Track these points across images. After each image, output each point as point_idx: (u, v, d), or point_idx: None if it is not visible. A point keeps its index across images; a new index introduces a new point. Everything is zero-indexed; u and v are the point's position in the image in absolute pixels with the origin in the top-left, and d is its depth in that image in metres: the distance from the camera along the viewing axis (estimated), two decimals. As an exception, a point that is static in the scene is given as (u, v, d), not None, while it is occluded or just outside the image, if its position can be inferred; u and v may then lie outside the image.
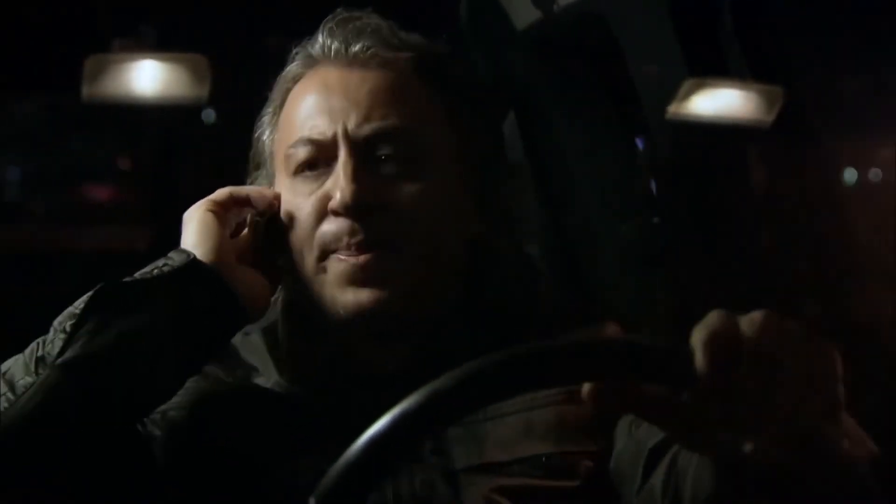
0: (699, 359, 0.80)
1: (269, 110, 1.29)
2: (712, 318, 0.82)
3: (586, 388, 0.82)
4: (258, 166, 1.30)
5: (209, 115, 2.32)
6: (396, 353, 1.21)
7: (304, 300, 1.22)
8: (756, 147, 1.57)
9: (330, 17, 1.26)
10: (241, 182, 1.30)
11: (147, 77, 1.93)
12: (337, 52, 1.23)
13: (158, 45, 2.14)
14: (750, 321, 0.83)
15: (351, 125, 1.19)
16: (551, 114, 1.96)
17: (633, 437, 1.16)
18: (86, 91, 1.88)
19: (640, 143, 1.89)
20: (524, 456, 1.17)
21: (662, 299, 1.86)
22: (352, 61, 1.22)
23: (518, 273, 1.35)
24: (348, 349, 1.22)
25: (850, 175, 1.75)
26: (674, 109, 1.61)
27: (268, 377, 1.23)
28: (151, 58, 1.95)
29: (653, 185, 1.89)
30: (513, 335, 1.18)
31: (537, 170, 1.98)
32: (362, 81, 1.21)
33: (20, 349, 1.14)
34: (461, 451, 1.17)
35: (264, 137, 1.29)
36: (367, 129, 1.19)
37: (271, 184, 1.27)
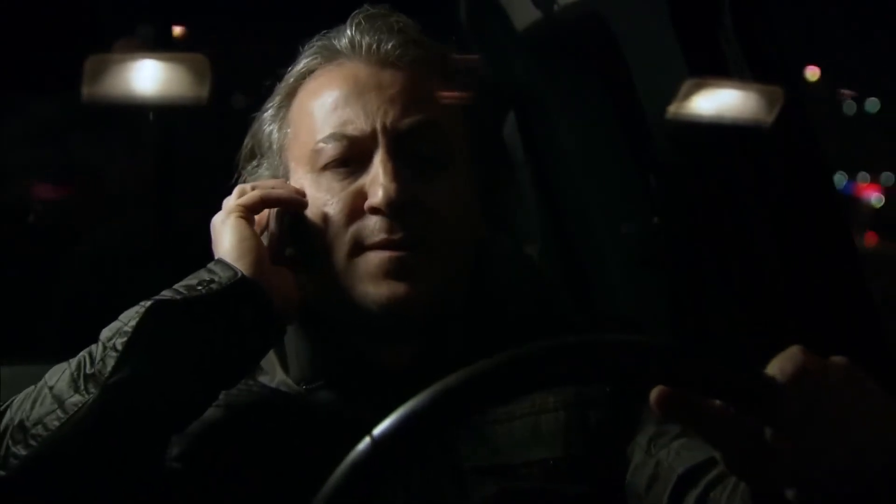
0: (787, 391, 0.80)
1: (275, 101, 1.28)
2: (797, 354, 0.83)
3: (656, 391, 0.82)
4: (253, 156, 1.29)
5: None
6: (402, 353, 1.21)
7: (325, 296, 1.21)
8: (755, 147, 1.57)
9: (357, 12, 1.24)
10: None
11: (147, 77, 1.93)
12: (368, 48, 1.21)
13: (158, 45, 2.15)
14: (836, 366, 0.83)
15: (389, 120, 1.18)
16: (551, 114, 1.96)
17: (653, 456, 1.15)
18: (86, 91, 1.88)
19: (639, 143, 1.89)
20: (532, 459, 1.17)
21: (662, 299, 1.87)
22: (383, 59, 1.20)
23: (519, 273, 1.35)
24: (355, 349, 1.22)
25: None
26: (674, 109, 1.61)
27: (272, 376, 1.23)
28: (151, 58, 1.95)
29: (653, 185, 1.89)
30: (515, 336, 1.18)
31: (537, 170, 1.99)
32: (394, 79, 1.20)
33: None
34: (470, 452, 1.17)
35: (270, 128, 1.27)
36: (405, 123, 1.18)
37: (279, 176, 1.26)
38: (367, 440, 0.76)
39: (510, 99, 1.96)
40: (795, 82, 1.53)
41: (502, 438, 1.18)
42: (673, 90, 1.59)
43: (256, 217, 1.21)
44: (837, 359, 0.84)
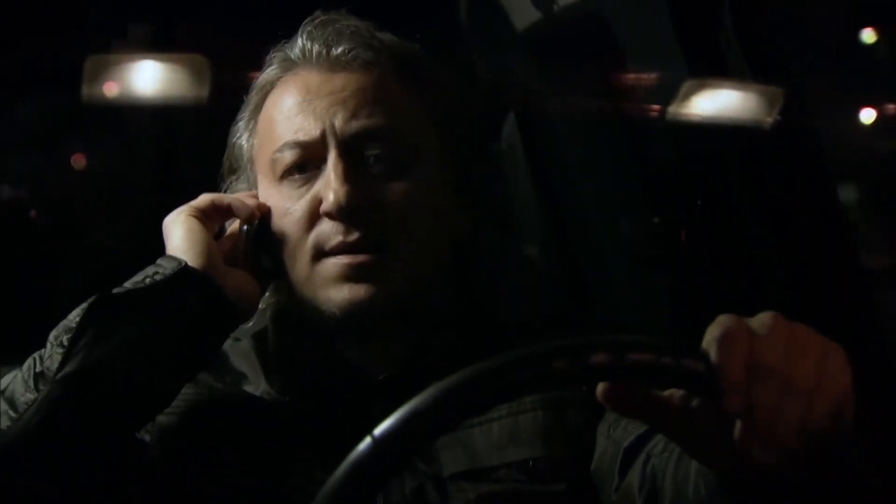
0: (715, 358, 0.80)
1: (244, 114, 1.29)
2: (724, 320, 0.82)
3: (601, 387, 0.82)
4: (233, 171, 1.30)
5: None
6: (386, 361, 1.21)
7: (295, 303, 1.21)
8: (755, 147, 1.57)
9: (308, 19, 1.25)
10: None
11: (147, 77, 1.93)
12: (318, 55, 1.22)
13: (158, 45, 2.14)
14: (761, 323, 0.83)
15: (338, 123, 1.18)
16: (551, 114, 1.96)
17: (611, 438, 1.16)
18: (86, 91, 1.88)
19: (639, 143, 1.89)
20: (511, 461, 1.17)
21: (662, 299, 1.87)
22: (333, 64, 1.22)
23: (510, 273, 1.35)
24: (337, 356, 1.22)
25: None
26: (674, 109, 1.61)
27: (256, 385, 1.23)
28: (151, 58, 1.95)
29: (653, 186, 1.89)
30: (504, 338, 1.18)
31: (537, 170, 1.99)
32: (346, 83, 1.20)
33: (21, 348, 1.14)
34: (449, 457, 1.17)
35: (241, 142, 1.28)
36: (354, 125, 1.19)
37: (252, 188, 1.26)
38: (367, 440, 0.75)
39: (510, 99, 1.96)
40: (795, 82, 1.53)
41: (480, 441, 1.17)
42: (673, 90, 1.59)
43: (231, 228, 1.22)
44: (762, 315, 0.84)
